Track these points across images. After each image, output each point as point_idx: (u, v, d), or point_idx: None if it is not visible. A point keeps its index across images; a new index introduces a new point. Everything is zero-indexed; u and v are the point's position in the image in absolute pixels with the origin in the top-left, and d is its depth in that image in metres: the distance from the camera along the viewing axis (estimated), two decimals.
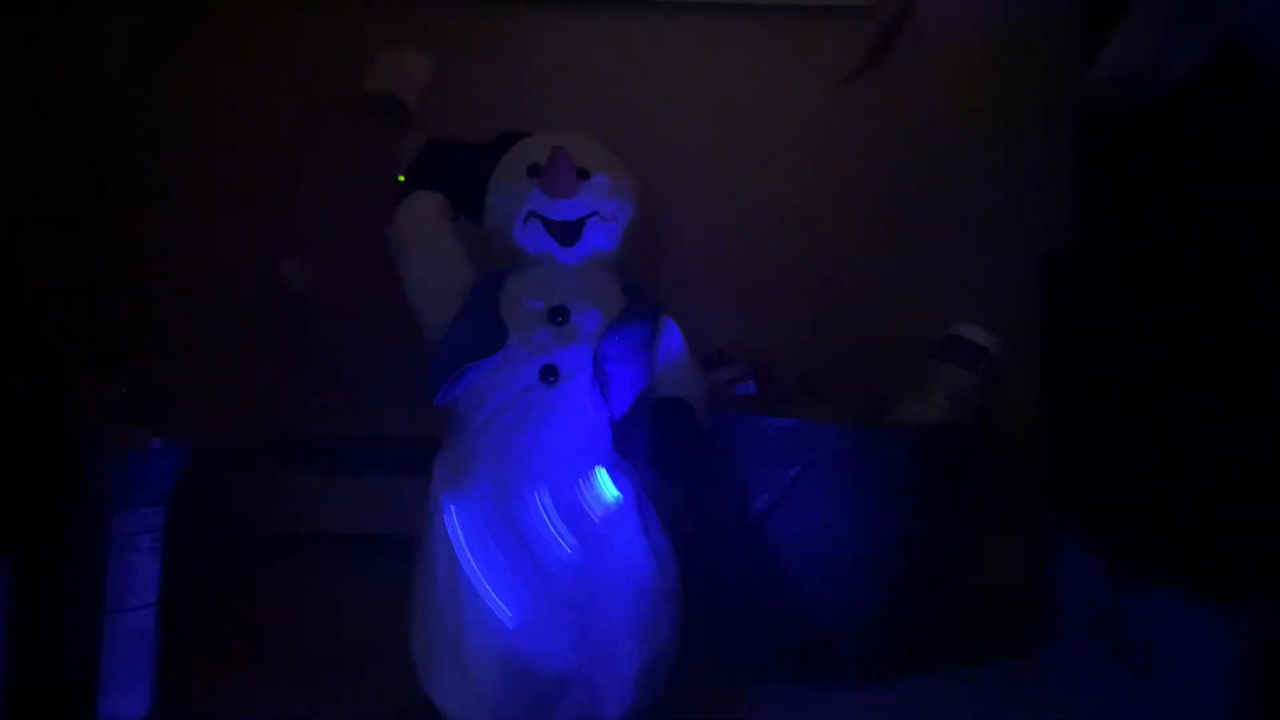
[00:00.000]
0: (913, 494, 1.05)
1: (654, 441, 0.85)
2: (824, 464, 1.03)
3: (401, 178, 0.99)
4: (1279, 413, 0.89)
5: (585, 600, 0.81)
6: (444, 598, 0.82)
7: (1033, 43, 1.23)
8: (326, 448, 1.17)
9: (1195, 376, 0.94)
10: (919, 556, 1.07)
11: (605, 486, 0.84)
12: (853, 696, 1.01)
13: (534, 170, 0.91)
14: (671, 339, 0.93)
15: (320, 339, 1.18)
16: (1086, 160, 1.20)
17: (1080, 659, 1.04)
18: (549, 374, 0.85)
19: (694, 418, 0.89)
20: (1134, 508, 0.99)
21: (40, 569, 0.82)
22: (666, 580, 0.86)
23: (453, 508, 0.83)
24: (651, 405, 0.88)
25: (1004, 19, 1.24)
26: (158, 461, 0.86)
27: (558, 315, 0.87)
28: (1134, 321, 1.03)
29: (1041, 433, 1.17)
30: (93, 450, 0.83)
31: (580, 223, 0.90)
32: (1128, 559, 0.98)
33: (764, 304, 1.23)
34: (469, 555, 0.81)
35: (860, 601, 1.05)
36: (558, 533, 0.82)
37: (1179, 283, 0.97)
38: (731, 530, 1.09)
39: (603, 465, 0.85)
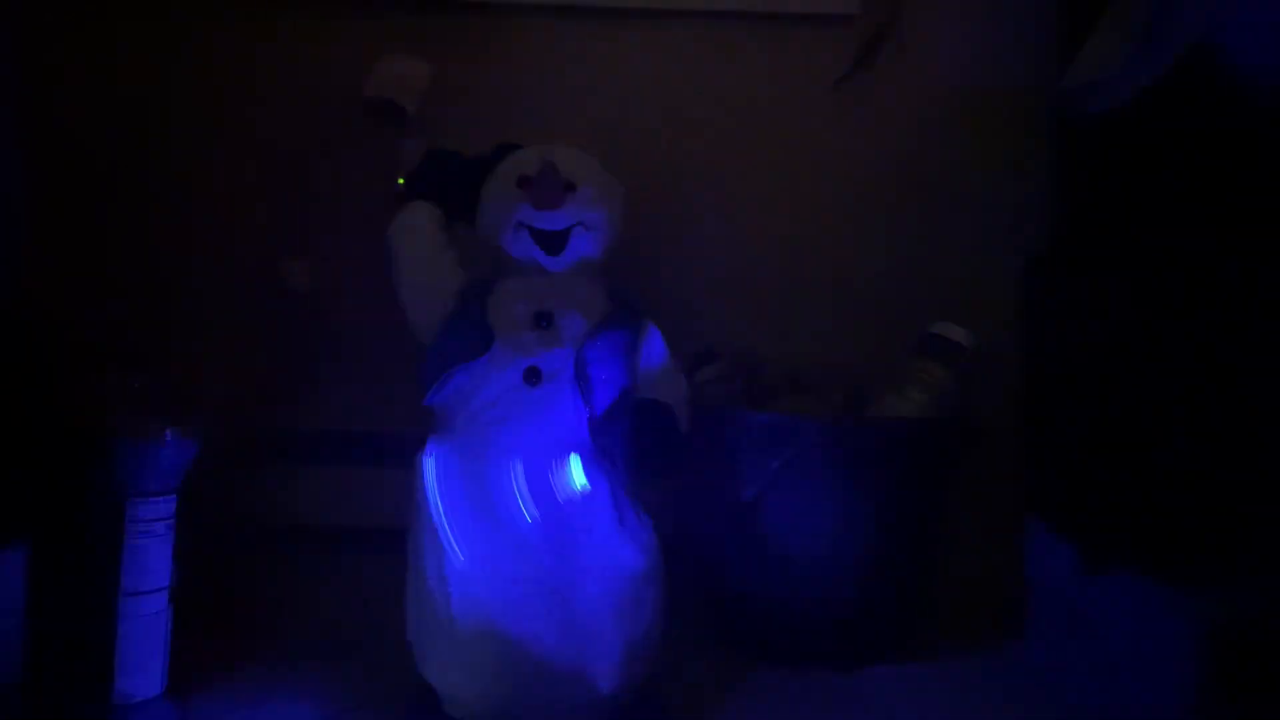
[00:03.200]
0: (892, 485, 1.08)
1: (632, 440, 0.88)
2: (808, 456, 1.07)
3: (401, 181, 1.02)
4: (1244, 411, 0.92)
5: (568, 584, 0.85)
6: (434, 584, 0.86)
7: (1013, 51, 1.25)
8: (327, 442, 1.20)
9: (1167, 376, 0.97)
10: (899, 545, 1.10)
11: (576, 474, 0.88)
12: (834, 680, 1.04)
13: (523, 182, 0.93)
14: (653, 343, 0.96)
15: (321, 338, 1.21)
16: (1066, 165, 1.22)
17: (1055, 643, 1.07)
18: (532, 375, 0.89)
19: (672, 419, 0.92)
20: (1108, 500, 1.01)
21: (59, 553, 0.87)
22: (648, 565, 0.89)
23: (437, 498, 0.87)
24: (631, 405, 0.90)
25: (985, 29, 1.26)
26: (171, 452, 0.90)
27: (542, 319, 0.90)
28: (1110, 322, 1.06)
29: (1020, 427, 1.20)
30: (111, 441, 0.87)
31: (566, 233, 0.92)
32: (1100, 548, 1.00)
33: (751, 302, 1.25)
34: (454, 542, 0.85)
35: (842, 588, 1.08)
36: (533, 517, 0.86)
37: (1154, 284, 0.99)
38: (718, 519, 1.12)
39: (579, 457, 0.88)
